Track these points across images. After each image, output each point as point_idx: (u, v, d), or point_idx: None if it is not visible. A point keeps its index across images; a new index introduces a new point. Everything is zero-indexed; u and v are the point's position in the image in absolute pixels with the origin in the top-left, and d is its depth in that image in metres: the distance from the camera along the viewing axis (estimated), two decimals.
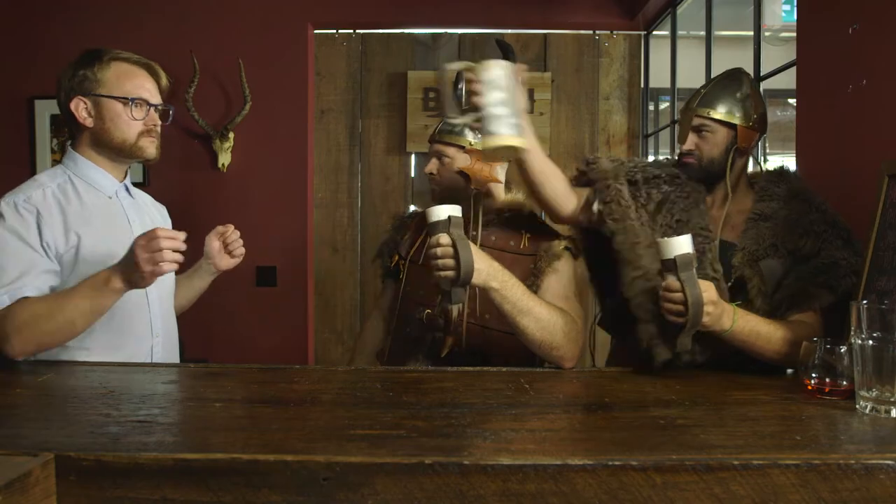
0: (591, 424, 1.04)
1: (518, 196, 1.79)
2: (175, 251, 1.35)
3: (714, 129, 1.61)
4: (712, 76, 1.79)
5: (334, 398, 1.20)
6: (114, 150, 1.59)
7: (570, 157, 3.75)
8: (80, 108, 1.56)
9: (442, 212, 1.36)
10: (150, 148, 1.60)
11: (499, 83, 1.35)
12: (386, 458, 0.86)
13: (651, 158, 1.80)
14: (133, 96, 1.55)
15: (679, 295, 1.30)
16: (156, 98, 1.61)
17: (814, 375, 1.20)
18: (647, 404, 1.16)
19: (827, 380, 1.18)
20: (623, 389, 1.27)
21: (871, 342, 1.06)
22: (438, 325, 1.64)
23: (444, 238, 1.35)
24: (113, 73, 1.57)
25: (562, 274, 1.65)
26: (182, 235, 1.37)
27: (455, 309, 1.48)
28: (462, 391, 1.24)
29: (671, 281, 1.31)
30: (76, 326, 1.41)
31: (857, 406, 1.09)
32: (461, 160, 1.74)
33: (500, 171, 1.79)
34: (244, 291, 3.36)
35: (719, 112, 1.61)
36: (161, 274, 1.36)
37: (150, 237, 1.34)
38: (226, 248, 1.72)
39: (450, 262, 1.34)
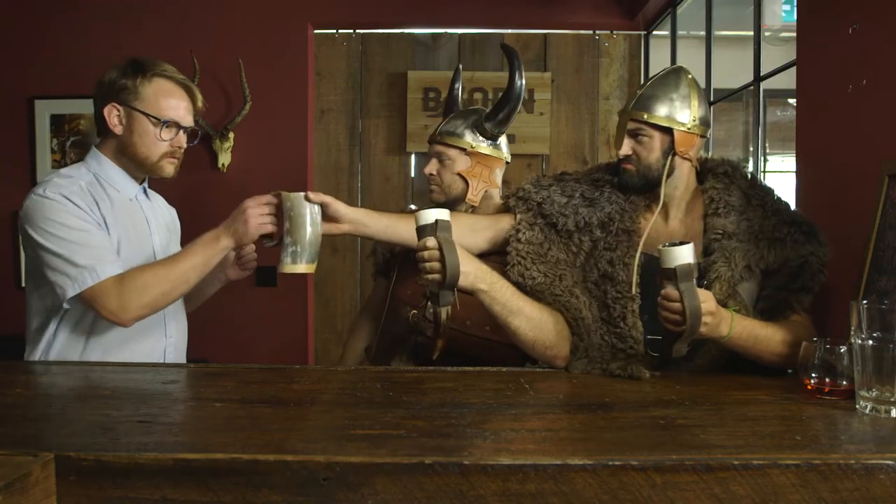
0: (591, 424, 1.04)
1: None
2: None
3: (650, 133, 1.53)
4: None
5: (334, 398, 1.20)
6: (134, 163, 1.60)
7: (570, 157, 3.75)
8: (113, 115, 1.56)
9: (430, 215, 1.37)
10: (169, 168, 1.62)
11: (288, 214, 1.46)
12: (386, 458, 0.86)
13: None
14: (166, 118, 1.56)
15: (677, 305, 1.28)
16: (188, 120, 1.62)
17: (813, 375, 1.20)
18: (647, 404, 1.16)
19: (827, 380, 1.18)
20: (623, 389, 1.27)
21: (871, 342, 1.06)
22: (422, 326, 1.63)
23: (430, 241, 1.36)
24: (153, 89, 1.57)
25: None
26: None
27: (444, 311, 1.47)
28: (462, 391, 1.24)
29: (670, 290, 1.29)
30: (189, 281, 1.50)
31: (857, 406, 1.09)
32: (462, 162, 1.75)
33: (499, 174, 1.79)
34: (244, 291, 3.36)
35: (655, 115, 1.52)
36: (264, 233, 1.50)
37: (258, 202, 1.49)
38: (238, 259, 1.73)
39: (436, 265, 1.34)
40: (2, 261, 3.39)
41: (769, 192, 1.57)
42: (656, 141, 1.53)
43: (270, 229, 1.50)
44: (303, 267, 1.47)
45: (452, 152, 1.75)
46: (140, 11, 3.38)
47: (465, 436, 0.97)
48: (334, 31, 3.69)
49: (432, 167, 1.77)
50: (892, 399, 1.06)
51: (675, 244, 1.31)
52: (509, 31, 3.71)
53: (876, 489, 0.86)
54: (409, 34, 3.74)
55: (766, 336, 1.38)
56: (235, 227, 1.49)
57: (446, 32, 3.74)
